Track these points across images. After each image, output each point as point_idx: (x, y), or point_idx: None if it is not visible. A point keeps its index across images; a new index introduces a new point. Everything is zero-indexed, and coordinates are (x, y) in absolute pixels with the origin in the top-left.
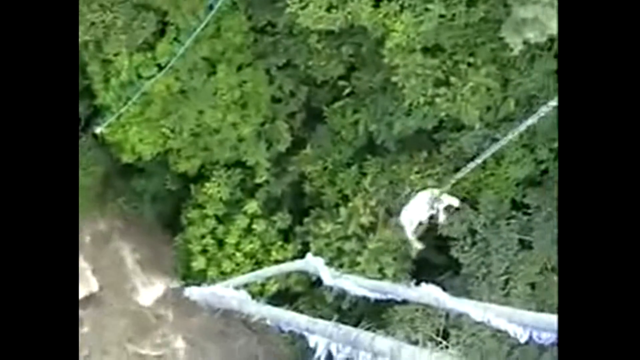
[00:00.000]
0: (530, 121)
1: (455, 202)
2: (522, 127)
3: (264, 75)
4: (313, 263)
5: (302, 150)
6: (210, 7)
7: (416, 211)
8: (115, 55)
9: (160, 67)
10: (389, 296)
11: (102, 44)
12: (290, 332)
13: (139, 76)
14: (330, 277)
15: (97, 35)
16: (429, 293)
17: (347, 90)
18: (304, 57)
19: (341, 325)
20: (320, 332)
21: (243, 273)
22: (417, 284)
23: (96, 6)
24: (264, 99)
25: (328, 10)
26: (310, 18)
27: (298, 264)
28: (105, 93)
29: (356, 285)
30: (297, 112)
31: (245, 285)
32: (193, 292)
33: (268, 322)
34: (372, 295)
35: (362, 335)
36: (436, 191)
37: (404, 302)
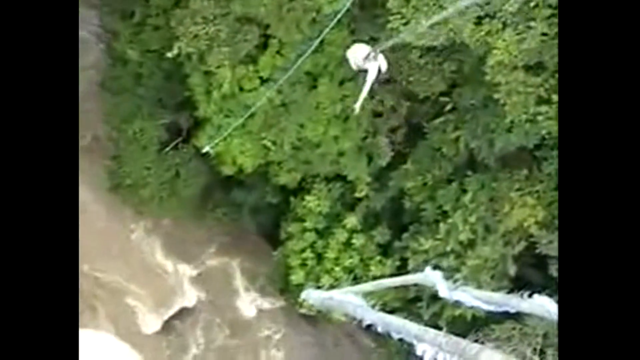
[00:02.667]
0: None
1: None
2: None
3: None
4: (431, 277)
5: (402, 166)
6: (314, 20)
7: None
8: (218, 67)
9: (263, 80)
10: (503, 308)
11: (205, 57)
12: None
13: (241, 89)
14: (447, 290)
15: (199, 48)
16: (541, 305)
17: (448, 107)
18: (405, 73)
19: (451, 335)
20: (430, 341)
21: (341, 287)
22: (530, 295)
23: (199, 19)
24: (365, 114)
25: (430, 26)
26: (412, 34)
27: (417, 277)
28: (207, 105)
29: (472, 297)
30: (398, 127)
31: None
32: (311, 295)
33: (379, 328)
34: (487, 307)
35: (470, 346)
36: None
37: (501, 321)
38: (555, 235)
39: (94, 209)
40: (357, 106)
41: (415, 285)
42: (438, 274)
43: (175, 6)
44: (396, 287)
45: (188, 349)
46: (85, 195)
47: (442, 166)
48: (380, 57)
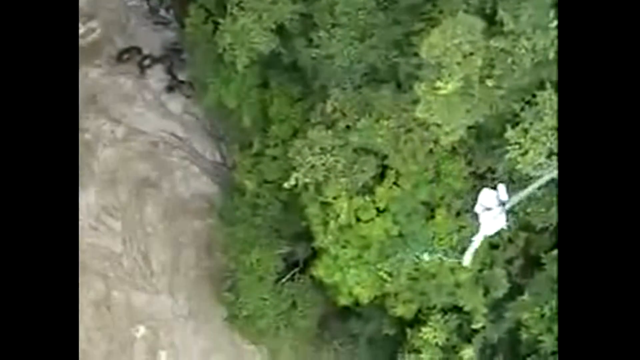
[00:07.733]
0: None
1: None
2: None
3: None
4: None
5: (519, 297)
6: (431, 151)
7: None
8: (335, 198)
9: (379, 211)
10: None
11: (322, 187)
12: None
13: (358, 219)
14: None
15: (317, 178)
16: None
17: None
18: (523, 204)
19: None
20: None
21: None
22: None
23: (317, 149)
24: (482, 245)
25: (549, 157)
26: (531, 165)
27: None
28: (324, 236)
29: None
30: (515, 259)
31: None
32: None
33: None
34: None
35: None
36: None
37: None
38: None
39: None
40: (467, 259)
41: None
42: None
43: (294, 137)
44: None
45: None
46: None
47: None
48: (502, 216)
